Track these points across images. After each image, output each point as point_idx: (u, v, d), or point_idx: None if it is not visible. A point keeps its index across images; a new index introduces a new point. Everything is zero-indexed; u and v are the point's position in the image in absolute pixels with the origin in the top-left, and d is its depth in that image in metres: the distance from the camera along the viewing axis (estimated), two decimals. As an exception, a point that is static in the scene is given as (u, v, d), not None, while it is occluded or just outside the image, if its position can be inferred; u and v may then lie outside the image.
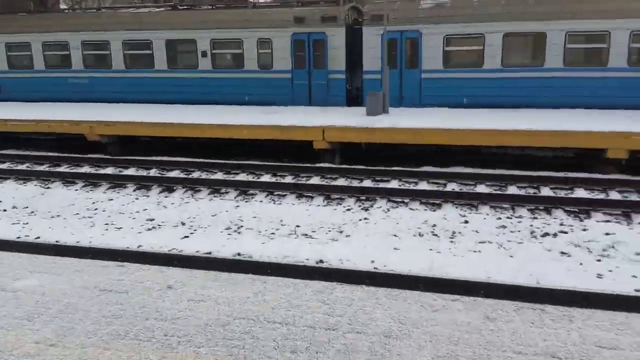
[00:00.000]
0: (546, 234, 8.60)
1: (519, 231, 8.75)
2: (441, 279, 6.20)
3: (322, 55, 17.22)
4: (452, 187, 11.43)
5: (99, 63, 19.58)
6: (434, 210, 10.01)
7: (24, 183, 12.41)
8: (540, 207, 9.94)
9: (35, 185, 12.24)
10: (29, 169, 13.77)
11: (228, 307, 5.33)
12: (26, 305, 5.39)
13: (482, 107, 15.71)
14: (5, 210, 10.44)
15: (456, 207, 10.10)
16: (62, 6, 45.04)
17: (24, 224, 9.54)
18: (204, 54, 18.19)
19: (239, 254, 7.77)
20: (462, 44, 16.18)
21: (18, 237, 8.55)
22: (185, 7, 20.83)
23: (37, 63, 20.17)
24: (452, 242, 8.39)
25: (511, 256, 7.77)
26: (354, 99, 17.86)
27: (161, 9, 20.87)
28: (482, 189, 11.24)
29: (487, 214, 9.63)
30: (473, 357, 4.37)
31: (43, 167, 13.97)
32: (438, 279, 6.22)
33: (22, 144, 17.41)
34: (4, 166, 14.19)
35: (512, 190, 11.15)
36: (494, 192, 10.96)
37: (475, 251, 7.99)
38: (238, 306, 5.36)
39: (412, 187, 11.47)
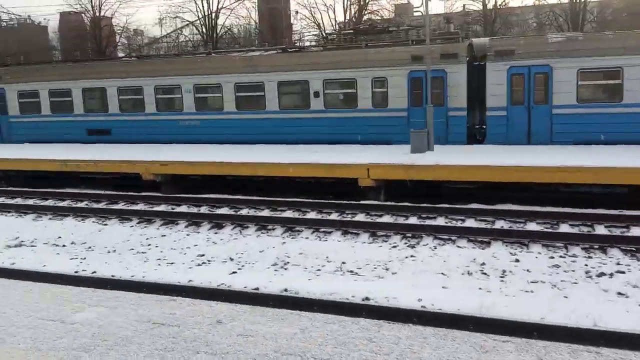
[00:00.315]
0: (602, 274, 8.27)
1: (573, 271, 8.46)
2: (492, 319, 6.06)
3: (440, 93, 16.95)
4: (500, 224, 11.21)
5: (210, 105, 20.07)
6: (482, 249, 9.82)
7: (83, 220, 13.01)
8: (595, 246, 9.60)
9: (93, 222, 12.81)
10: (87, 206, 14.43)
11: (275, 343, 5.40)
12: (83, 337, 5.62)
13: (622, 144, 14.93)
14: (64, 245, 10.96)
15: (506, 246, 9.88)
16: (120, 54, 47.85)
17: (81, 259, 9.96)
18: (316, 95, 18.37)
19: (285, 290, 7.84)
20: (598, 77, 15.61)
21: (76, 272, 8.93)
22: (294, 49, 21.69)
23: (148, 106, 20.71)
24: (502, 281, 8.19)
25: (565, 297, 7.50)
26: (473, 137, 17.21)
27: (272, 52, 21.45)
28: (532, 226, 10.97)
29: (539, 253, 9.37)
30: (526, 400, 4.24)
31: (101, 205, 14.61)
32: (488, 318, 6.09)
33: (82, 183, 18.31)
34: (64, 204, 14.93)
35: (565, 228, 10.83)
36: (546, 229, 10.68)
37: (527, 291, 7.75)
38: (285, 342, 5.41)
39: (459, 224, 11.33)
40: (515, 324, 5.85)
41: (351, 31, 22.35)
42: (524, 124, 16.23)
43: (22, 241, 11.28)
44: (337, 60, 18.10)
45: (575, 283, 8.00)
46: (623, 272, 8.28)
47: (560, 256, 9.16)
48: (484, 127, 16.89)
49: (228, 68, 19.62)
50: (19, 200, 15.46)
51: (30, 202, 15.26)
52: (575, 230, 10.72)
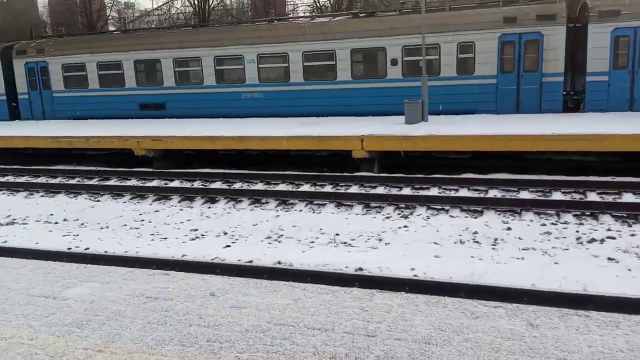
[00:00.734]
0: (593, 240, 8.33)
1: (564, 237, 8.51)
2: (482, 286, 6.10)
3: (535, 58, 16.08)
4: (493, 193, 11.23)
5: (275, 76, 19.15)
6: (475, 217, 9.85)
7: (75, 197, 12.95)
8: (587, 213, 9.64)
9: (86, 198, 12.76)
10: (79, 183, 14.35)
11: (268, 314, 5.42)
12: (75, 313, 5.63)
13: None
14: (56, 222, 10.93)
15: (498, 214, 9.91)
16: (111, 28, 47.13)
17: (74, 235, 9.95)
18: (394, 62, 17.44)
19: (279, 263, 7.87)
20: None
21: (69, 248, 8.92)
22: (366, 14, 20.21)
23: (207, 78, 19.77)
24: (494, 249, 8.24)
25: (556, 263, 7.56)
26: (569, 106, 16.36)
27: (342, 17, 20.26)
28: (525, 195, 11.00)
29: (531, 221, 9.41)
30: (515, 364, 4.29)
31: (93, 181, 14.53)
32: (479, 285, 6.12)
33: (74, 159, 18.19)
34: (56, 181, 14.84)
35: (557, 196, 10.86)
36: (538, 197, 10.71)
37: (518, 258, 7.81)
38: (278, 313, 5.44)
39: (452, 194, 11.34)
40: (506, 290, 5.89)
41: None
42: (626, 90, 15.39)
43: (14, 219, 11.24)
44: (417, 25, 16.36)
45: (566, 249, 8.05)
46: (614, 238, 8.34)
47: (552, 223, 9.20)
48: (582, 95, 15.99)
49: (295, 35, 18.47)
50: (10, 178, 15.35)
51: (22, 179, 15.16)
52: (567, 197, 10.75)
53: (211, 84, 19.71)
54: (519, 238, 8.55)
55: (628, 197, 10.43)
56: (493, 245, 8.39)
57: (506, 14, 16.23)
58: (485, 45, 16.36)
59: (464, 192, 11.38)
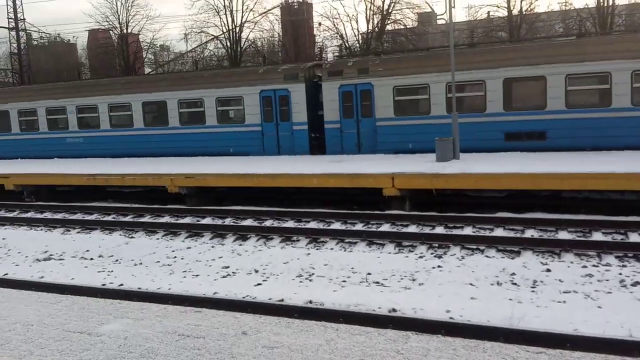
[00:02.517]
0: (637, 283, 7.97)
1: (607, 280, 8.18)
2: (523, 330, 5.88)
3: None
4: (530, 233, 10.95)
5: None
6: (512, 258, 9.59)
7: (110, 233, 13.18)
8: (630, 254, 9.28)
9: (120, 234, 12.97)
10: (114, 219, 14.62)
11: (301, 355, 5.31)
12: (109, 349, 5.62)
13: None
14: (92, 258, 11.09)
15: (536, 255, 9.63)
16: (147, 70, 48.91)
17: (109, 271, 10.06)
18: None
19: (310, 302, 7.77)
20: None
21: (103, 284, 9.02)
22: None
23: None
24: (533, 291, 7.96)
25: (599, 307, 7.24)
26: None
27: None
28: (564, 235, 10.68)
29: (571, 262, 9.11)
30: (562, 415, 4.06)
31: (127, 218, 14.79)
32: (520, 330, 5.91)
33: (109, 196, 18.60)
34: (92, 217, 15.17)
35: (598, 236, 10.51)
36: (578, 238, 10.39)
37: (559, 301, 7.52)
38: (311, 354, 5.32)
39: (487, 233, 11.10)
40: (548, 335, 5.66)
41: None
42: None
43: (50, 255, 11.46)
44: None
45: (609, 292, 7.73)
46: (660, 281, 7.97)
47: (593, 265, 8.88)
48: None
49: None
50: (47, 215, 15.76)
51: (59, 216, 15.54)
52: (608, 238, 10.40)
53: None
54: (559, 280, 8.25)
55: (673, 239, 10.03)
56: (532, 287, 8.11)
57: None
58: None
59: (499, 232, 11.13)
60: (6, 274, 9.84)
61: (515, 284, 8.30)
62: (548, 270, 8.71)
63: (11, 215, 16.03)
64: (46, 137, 23.72)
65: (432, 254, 10.05)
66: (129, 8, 45.67)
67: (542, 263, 9.08)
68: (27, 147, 24.05)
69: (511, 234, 10.99)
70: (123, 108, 22.11)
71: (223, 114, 20.62)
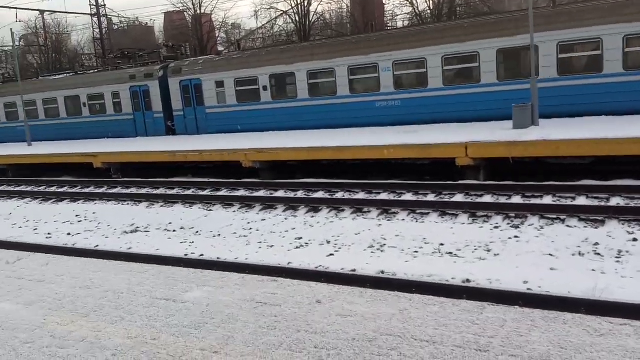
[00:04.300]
0: None
1: (703, 250, 7.61)
2: (607, 302, 5.62)
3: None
4: (616, 201, 10.33)
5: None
6: (595, 228, 9.12)
7: (190, 206, 13.82)
8: None
9: (200, 208, 13.57)
10: (194, 194, 15.30)
11: (374, 323, 5.39)
12: (193, 316, 5.97)
13: None
14: (174, 230, 11.72)
15: (622, 224, 9.10)
16: (220, 48, 50.06)
17: (190, 242, 10.60)
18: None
19: (382, 272, 7.81)
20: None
21: (186, 255, 9.52)
22: None
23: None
24: (618, 262, 7.56)
25: (694, 278, 6.78)
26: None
27: None
28: (653, 203, 10.00)
29: (662, 231, 8.54)
30: (649, 389, 3.89)
31: (206, 192, 15.43)
32: (603, 302, 5.65)
33: (188, 172, 19.46)
34: (174, 192, 15.96)
35: (693, 203, 9.76)
36: (670, 206, 9.69)
37: (647, 272, 7.10)
38: (384, 323, 5.39)
39: (569, 202, 10.60)
40: (633, 307, 5.37)
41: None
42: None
43: (137, 227, 12.22)
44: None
45: None
46: None
47: (688, 234, 8.27)
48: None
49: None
50: (133, 190, 16.73)
51: (144, 191, 16.46)
52: None
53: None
54: (648, 250, 7.78)
55: None
56: (617, 257, 7.70)
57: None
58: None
59: (582, 200, 10.60)
60: (97, 246, 10.61)
61: (598, 254, 7.92)
62: (634, 239, 8.22)
63: (100, 191, 17.17)
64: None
65: (508, 224, 9.75)
66: (202, -12, 46.68)
67: (628, 232, 8.58)
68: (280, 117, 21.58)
69: (595, 203, 10.42)
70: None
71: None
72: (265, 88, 21.43)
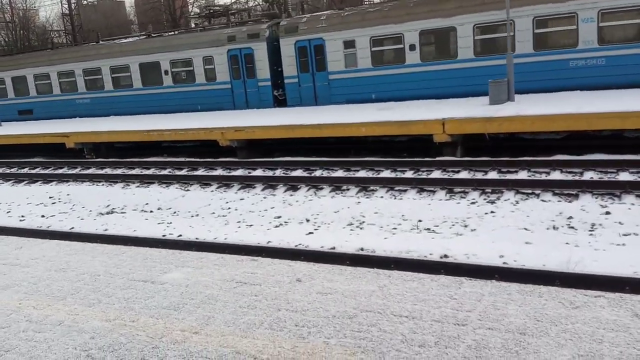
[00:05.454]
0: None
1: (672, 222, 7.83)
2: (581, 274, 5.76)
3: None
4: (589, 175, 10.54)
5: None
6: (569, 202, 9.31)
7: (167, 186, 13.65)
8: (699, 195, 8.81)
9: (177, 188, 13.42)
10: (170, 173, 15.11)
11: (354, 300, 5.42)
12: (172, 297, 5.92)
13: None
14: (151, 211, 11.57)
15: (596, 198, 9.30)
16: (192, 24, 48.97)
17: (168, 223, 10.50)
18: None
19: (361, 249, 7.87)
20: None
21: (163, 235, 9.43)
22: None
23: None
24: (591, 235, 7.74)
25: (663, 250, 6.98)
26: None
27: None
28: (625, 176, 10.22)
29: (632, 204, 8.75)
30: (620, 357, 4.00)
31: (183, 172, 15.24)
32: (578, 274, 5.79)
33: (164, 151, 19.16)
34: (150, 172, 15.72)
35: (662, 177, 10.01)
36: (640, 179, 9.93)
37: (618, 244, 7.29)
38: (364, 299, 5.42)
39: (543, 177, 10.77)
40: (607, 279, 5.52)
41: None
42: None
43: (113, 208, 12.04)
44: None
45: (676, 235, 7.41)
46: None
47: (658, 207, 8.50)
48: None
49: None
50: (108, 170, 16.45)
51: (119, 171, 16.19)
52: (675, 178, 9.88)
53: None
54: (619, 223, 7.97)
55: None
56: (590, 231, 7.88)
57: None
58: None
59: (556, 175, 10.78)
60: (72, 228, 10.43)
61: (572, 227, 8.09)
62: (607, 213, 8.41)
63: (74, 172, 16.83)
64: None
65: (484, 199, 9.88)
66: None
67: (601, 206, 8.78)
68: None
69: (569, 177, 10.61)
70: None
71: None
72: (412, 47, 17.78)
